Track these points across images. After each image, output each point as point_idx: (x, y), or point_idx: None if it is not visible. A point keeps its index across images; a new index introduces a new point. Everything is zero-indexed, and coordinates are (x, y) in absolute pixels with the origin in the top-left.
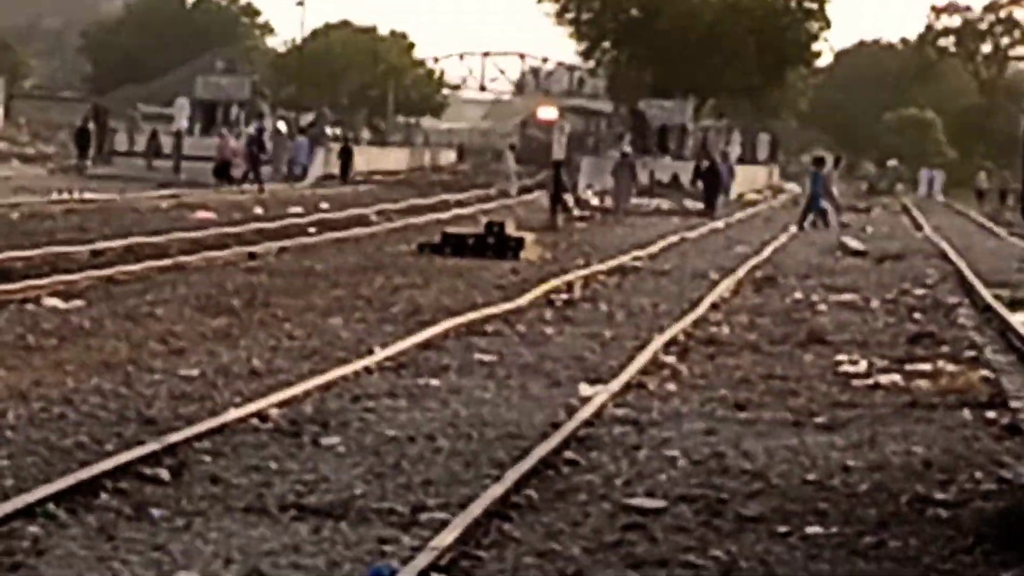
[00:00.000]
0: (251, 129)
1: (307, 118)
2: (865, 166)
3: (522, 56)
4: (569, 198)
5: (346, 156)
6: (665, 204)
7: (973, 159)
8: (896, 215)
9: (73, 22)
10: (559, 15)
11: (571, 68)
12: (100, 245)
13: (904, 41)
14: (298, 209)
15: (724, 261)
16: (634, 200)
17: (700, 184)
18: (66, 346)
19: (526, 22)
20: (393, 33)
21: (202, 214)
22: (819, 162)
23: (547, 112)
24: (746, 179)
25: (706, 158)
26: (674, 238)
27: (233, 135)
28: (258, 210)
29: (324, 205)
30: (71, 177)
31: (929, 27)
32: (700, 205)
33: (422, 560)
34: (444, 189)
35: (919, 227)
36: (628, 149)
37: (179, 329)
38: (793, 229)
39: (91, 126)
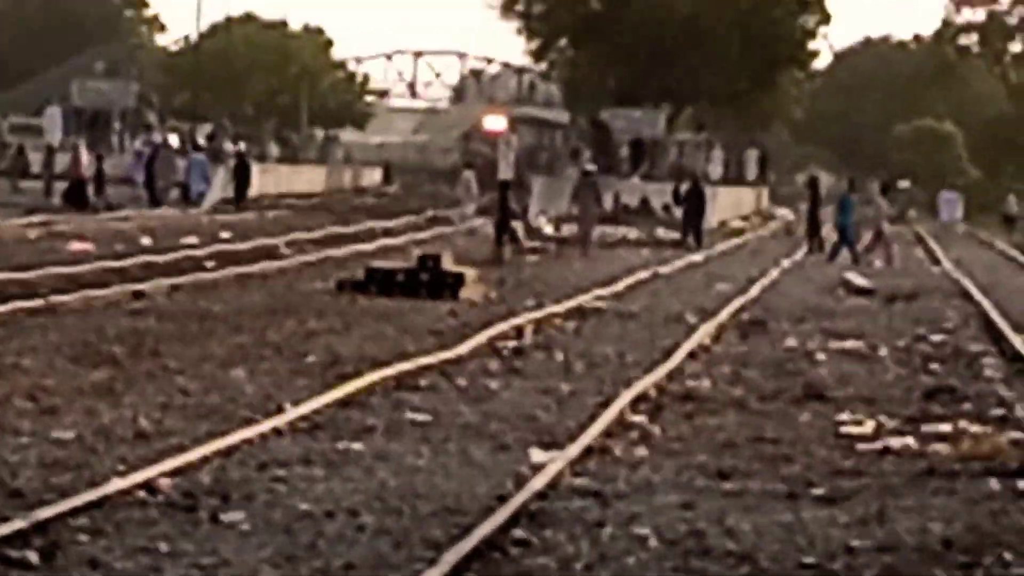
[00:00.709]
0: (139, 144)
1: (204, 130)
2: (870, 187)
3: (461, 56)
4: (519, 226)
5: (242, 174)
6: (633, 233)
7: (1001, 179)
8: (909, 246)
9: None
10: (506, 8)
11: (520, 71)
12: None
13: (918, 39)
14: (193, 239)
15: (704, 301)
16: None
17: (680, 209)
18: None
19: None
20: (307, 28)
21: (77, 245)
22: (852, 185)
23: (494, 122)
24: (730, 203)
25: (689, 177)
26: (644, 274)
27: (89, 151)
28: (145, 240)
29: (224, 234)
30: None
31: (947, 23)
32: (675, 235)
33: None
34: (368, 215)
35: (936, 261)
36: (591, 167)
37: (51, 383)
38: (786, 264)
39: None
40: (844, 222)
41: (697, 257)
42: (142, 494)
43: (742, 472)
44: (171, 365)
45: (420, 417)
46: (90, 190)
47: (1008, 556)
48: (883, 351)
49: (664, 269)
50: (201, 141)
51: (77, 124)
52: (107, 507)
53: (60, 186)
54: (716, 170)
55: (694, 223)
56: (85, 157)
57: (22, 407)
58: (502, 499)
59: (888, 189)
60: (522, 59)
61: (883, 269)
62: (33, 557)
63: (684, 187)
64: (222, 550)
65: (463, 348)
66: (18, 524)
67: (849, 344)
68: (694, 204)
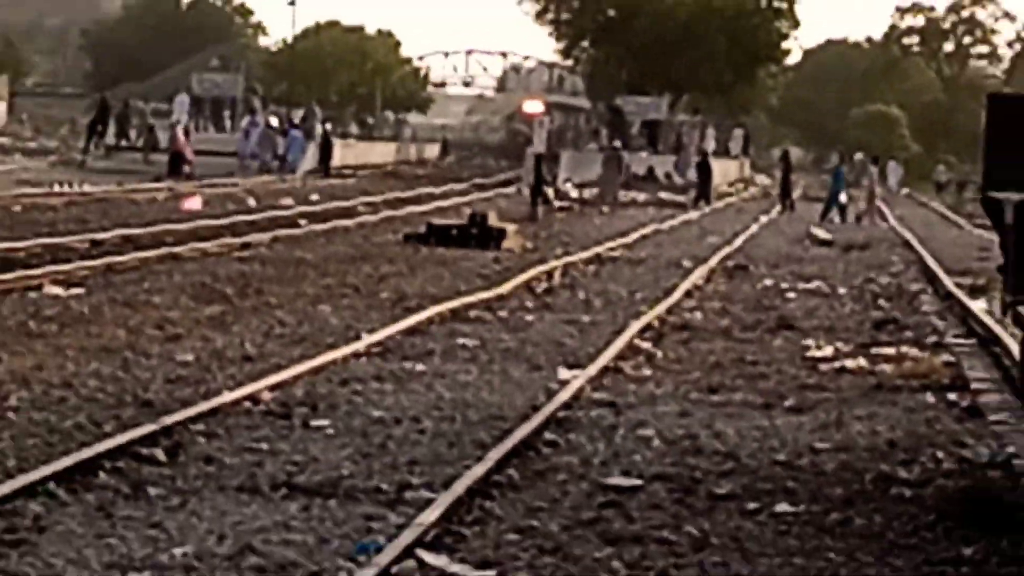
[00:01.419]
0: (245, 124)
1: (298, 114)
2: (832, 159)
3: (504, 54)
4: (549, 190)
5: (326, 148)
6: (641, 196)
7: (936, 153)
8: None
9: (74, 21)
10: (539, 15)
11: (551, 66)
12: (99, 235)
13: (870, 40)
14: (289, 201)
15: (697, 251)
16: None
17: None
18: (66, 332)
19: (508, 21)
20: (380, 32)
21: (188, 204)
22: (842, 159)
23: (533, 106)
24: (720, 172)
25: (699, 152)
26: (649, 229)
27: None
28: (251, 202)
29: (314, 197)
30: (71, 170)
31: (894, 26)
32: (676, 197)
33: (407, 537)
34: (429, 182)
35: (884, 218)
36: (618, 143)
37: (175, 316)
38: (764, 220)
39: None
40: (837, 188)
41: (692, 215)
42: (247, 404)
43: (727, 387)
44: (271, 301)
45: (470, 343)
46: (187, 167)
47: (939, 454)
48: (841, 290)
49: (665, 225)
50: (296, 122)
51: (197, 109)
52: (219, 415)
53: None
54: (710, 145)
55: (704, 186)
56: (182, 137)
57: (152, 334)
58: (535, 408)
59: (877, 161)
60: (553, 56)
61: (850, 226)
62: (160, 455)
63: (695, 159)
64: (311, 449)
65: (504, 288)
66: (148, 428)
67: (813, 285)
68: (704, 172)
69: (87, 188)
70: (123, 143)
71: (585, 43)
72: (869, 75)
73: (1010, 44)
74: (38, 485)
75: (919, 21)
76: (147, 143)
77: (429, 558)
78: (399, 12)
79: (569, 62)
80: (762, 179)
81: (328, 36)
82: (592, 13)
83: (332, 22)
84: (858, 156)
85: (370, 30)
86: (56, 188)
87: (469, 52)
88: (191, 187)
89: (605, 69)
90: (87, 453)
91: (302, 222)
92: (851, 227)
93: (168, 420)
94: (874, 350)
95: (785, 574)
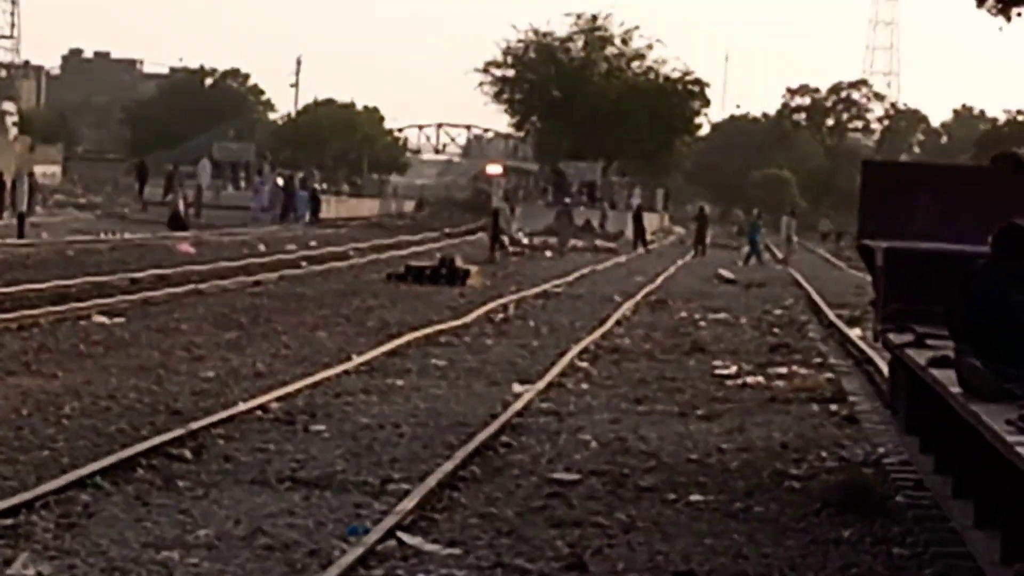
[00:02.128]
0: (256, 184)
1: (299, 175)
2: (736, 213)
3: (468, 127)
4: (505, 238)
5: (315, 202)
6: (580, 243)
7: (820, 209)
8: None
9: (116, 99)
10: (496, 96)
11: (507, 136)
12: (137, 275)
13: (765, 115)
14: (292, 246)
15: (626, 287)
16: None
17: (621, 227)
18: (110, 354)
19: (472, 100)
20: (367, 108)
21: (184, 248)
22: (759, 216)
23: (494, 168)
24: (645, 224)
25: (636, 208)
26: (587, 270)
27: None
28: (261, 247)
29: (313, 243)
30: (114, 221)
31: (785, 104)
32: (608, 244)
33: (389, 521)
34: (407, 231)
35: (779, 261)
36: (567, 200)
37: (199, 340)
38: (680, 263)
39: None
40: (753, 238)
41: (622, 258)
42: (259, 413)
43: (650, 399)
44: (277, 328)
45: (440, 363)
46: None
47: (824, 454)
48: (743, 320)
49: (600, 267)
50: (303, 183)
51: (218, 171)
52: (236, 421)
53: (206, 212)
54: (636, 202)
55: (640, 235)
56: (181, 200)
57: (180, 356)
58: (493, 416)
59: (793, 213)
60: (507, 129)
61: (745, 267)
62: (187, 454)
63: (620, 213)
64: (311, 449)
65: (468, 318)
66: (177, 432)
67: (721, 315)
68: (639, 224)
69: (127, 235)
70: (167, 199)
71: (534, 118)
72: (765, 144)
73: (880, 120)
74: (87, 479)
75: (806, 100)
76: (194, 202)
77: (408, 539)
78: (383, 90)
79: (521, 134)
80: (678, 229)
81: (324, 111)
82: (539, 94)
83: (328, 100)
84: (755, 211)
85: (359, 106)
86: (102, 236)
87: (439, 125)
88: (189, 236)
89: (550, 139)
90: (127, 452)
91: (303, 264)
92: (753, 267)
93: (194, 425)
94: (770, 369)
95: (698, 552)
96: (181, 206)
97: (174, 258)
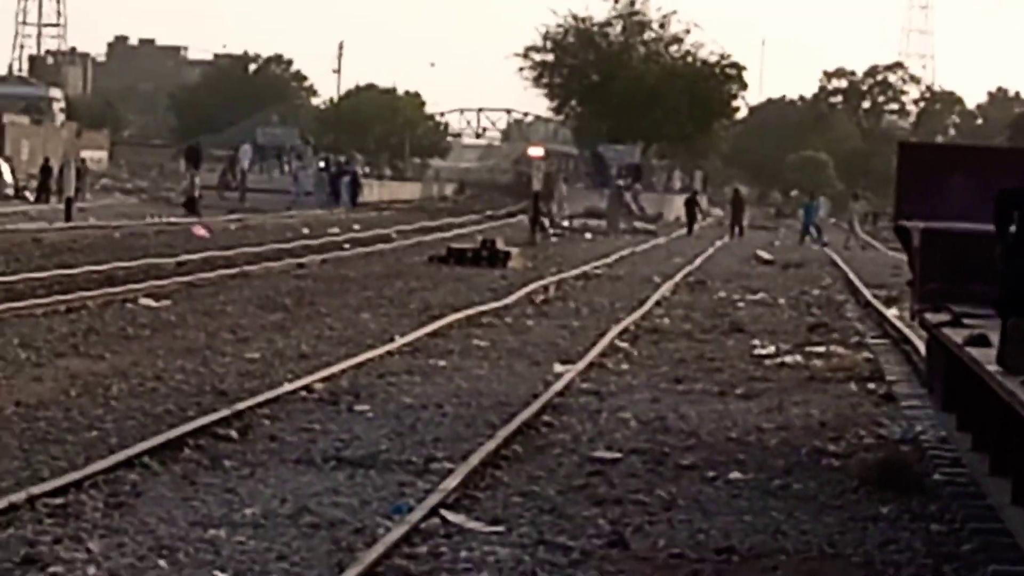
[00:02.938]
0: (295, 168)
1: (342, 159)
2: (773, 195)
3: (508, 111)
4: (545, 220)
5: (355, 186)
6: (624, 226)
7: (852, 190)
8: (798, 232)
9: (162, 86)
10: (536, 80)
11: (547, 120)
12: (183, 257)
13: (802, 98)
14: (336, 229)
15: (665, 269)
16: (622, 225)
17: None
18: (157, 336)
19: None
20: (408, 93)
21: (199, 231)
22: (812, 196)
23: (536, 151)
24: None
25: (689, 191)
26: (626, 252)
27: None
28: (305, 230)
29: (356, 226)
30: (160, 205)
31: (822, 87)
32: (648, 226)
33: (433, 499)
34: (449, 214)
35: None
36: (620, 183)
37: (244, 322)
38: (718, 244)
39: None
40: (808, 220)
41: (660, 240)
42: (303, 393)
43: (690, 378)
44: (321, 311)
45: (482, 343)
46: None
47: (862, 432)
48: (781, 300)
49: (639, 248)
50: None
51: (261, 156)
52: (281, 402)
53: (250, 195)
54: (676, 184)
55: (690, 219)
56: (198, 181)
57: (226, 338)
58: (535, 396)
59: (856, 197)
60: (547, 113)
61: (794, 246)
62: (233, 434)
63: (685, 198)
64: (355, 429)
65: (510, 299)
66: (223, 412)
67: (759, 296)
68: (692, 207)
69: (172, 219)
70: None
71: (573, 102)
72: (802, 127)
73: (915, 102)
74: (135, 459)
75: (842, 83)
76: (220, 183)
77: (451, 517)
78: (424, 75)
79: (560, 117)
80: (716, 211)
81: (366, 96)
82: (578, 78)
83: (369, 85)
84: (793, 193)
85: (400, 91)
86: (148, 220)
87: (480, 110)
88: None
89: (589, 123)
90: (174, 432)
91: (347, 246)
92: (795, 248)
93: (239, 406)
94: (808, 348)
95: (737, 529)
96: (197, 191)
97: (218, 240)
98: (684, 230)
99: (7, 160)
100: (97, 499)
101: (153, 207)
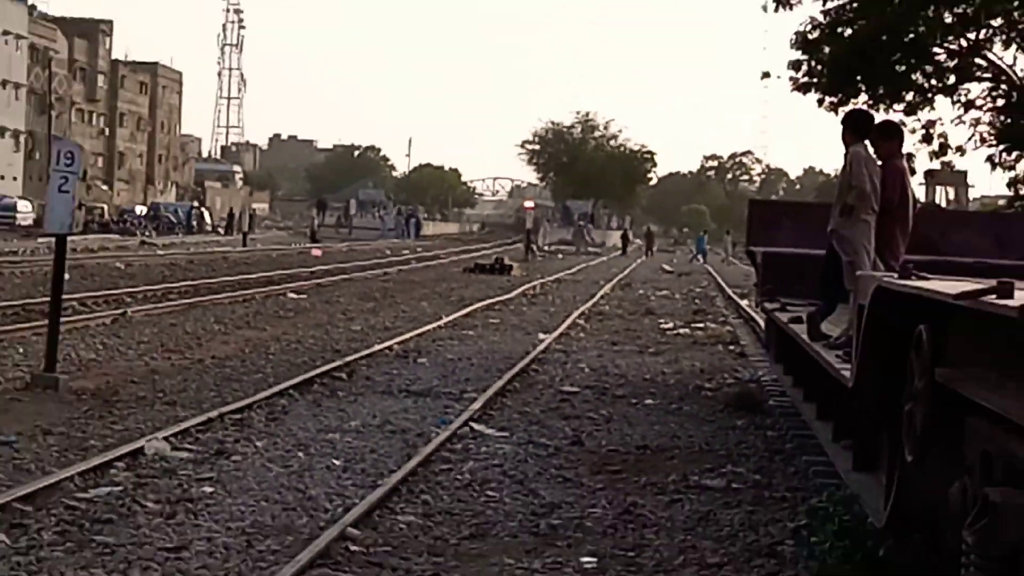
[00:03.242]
0: (382, 215)
1: (409, 208)
2: (672, 231)
3: (512, 180)
4: (535, 247)
5: (418, 226)
6: (581, 249)
7: (725, 227)
8: (687, 254)
9: (301, 164)
10: (528, 160)
11: (535, 185)
12: (315, 268)
13: (690, 172)
14: (406, 252)
15: (606, 276)
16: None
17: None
18: (298, 316)
19: (514, 162)
20: (451, 168)
21: (316, 252)
22: (705, 232)
23: (528, 204)
24: (618, 238)
25: (623, 229)
26: (583, 266)
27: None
28: (387, 251)
29: (418, 250)
30: (299, 237)
31: (702, 165)
32: (595, 250)
33: (464, 416)
34: (476, 243)
35: (723, 260)
36: (581, 223)
37: (351, 308)
38: (639, 262)
39: (316, 212)
40: (700, 247)
41: (605, 259)
42: (387, 351)
43: (621, 342)
44: (397, 301)
45: (495, 321)
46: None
47: (725, 375)
48: (677, 295)
49: (592, 263)
50: (412, 215)
51: (361, 207)
52: (373, 356)
53: (355, 231)
54: (614, 224)
55: (624, 245)
56: (316, 222)
57: (339, 318)
58: (527, 353)
59: (728, 233)
60: (535, 180)
61: (691, 264)
62: (344, 376)
63: (621, 233)
64: (417, 373)
65: (512, 294)
66: (338, 363)
67: (663, 292)
68: (624, 238)
69: (305, 245)
70: (343, 225)
71: (551, 174)
72: (690, 190)
73: (759, 175)
74: (284, 391)
75: (715, 163)
76: (338, 223)
77: (476, 427)
78: (461, 152)
79: (543, 183)
80: (638, 241)
81: (426, 171)
82: (554, 160)
83: (427, 163)
84: (685, 230)
85: (447, 167)
86: (294, 246)
87: (495, 178)
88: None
89: (561, 187)
90: (308, 374)
91: (413, 262)
92: (686, 263)
93: (348, 359)
94: (693, 324)
95: (650, 434)
96: (317, 227)
97: (336, 258)
98: (619, 252)
99: (208, 209)
100: (260, 415)
101: (295, 238)
